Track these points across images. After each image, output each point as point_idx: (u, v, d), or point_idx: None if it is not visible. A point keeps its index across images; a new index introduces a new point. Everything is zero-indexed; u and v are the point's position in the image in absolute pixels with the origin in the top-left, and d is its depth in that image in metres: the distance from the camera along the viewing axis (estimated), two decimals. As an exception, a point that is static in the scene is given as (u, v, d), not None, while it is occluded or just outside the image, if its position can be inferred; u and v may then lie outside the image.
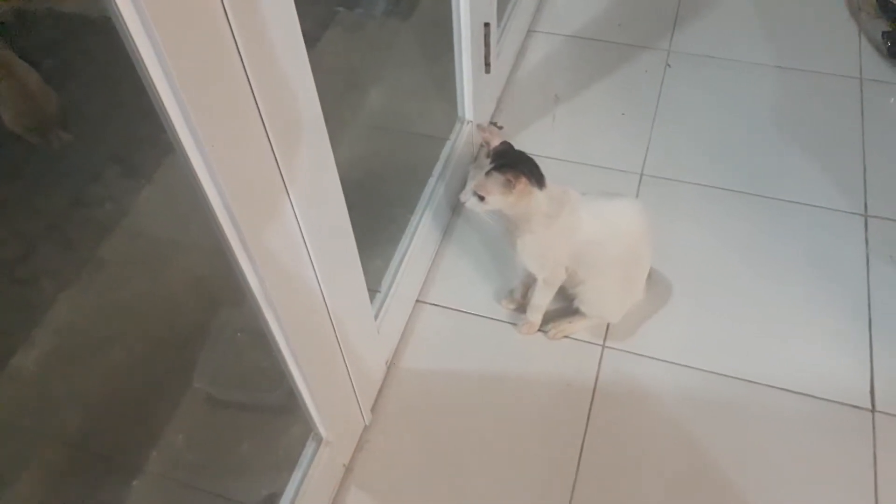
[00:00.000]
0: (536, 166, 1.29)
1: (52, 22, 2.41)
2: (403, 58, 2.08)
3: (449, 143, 1.74)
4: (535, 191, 1.26)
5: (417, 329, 1.53)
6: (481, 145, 1.81)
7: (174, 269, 1.84)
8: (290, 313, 1.03)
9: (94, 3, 2.35)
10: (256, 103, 0.78)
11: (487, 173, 1.25)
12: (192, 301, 1.77)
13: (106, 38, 2.48)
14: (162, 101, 0.69)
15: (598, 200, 1.37)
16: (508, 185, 1.24)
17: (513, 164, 1.26)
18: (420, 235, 1.56)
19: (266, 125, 0.81)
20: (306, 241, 0.99)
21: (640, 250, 1.42)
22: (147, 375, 1.63)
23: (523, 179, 1.24)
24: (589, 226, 1.34)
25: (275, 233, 0.92)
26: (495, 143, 1.30)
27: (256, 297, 0.97)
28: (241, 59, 0.74)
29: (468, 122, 1.73)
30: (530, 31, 2.16)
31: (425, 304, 1.57)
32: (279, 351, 1.07)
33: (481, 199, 1.27)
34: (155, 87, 0.68)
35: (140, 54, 0.64)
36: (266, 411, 1.48)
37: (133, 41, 0.63)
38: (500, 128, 1.86)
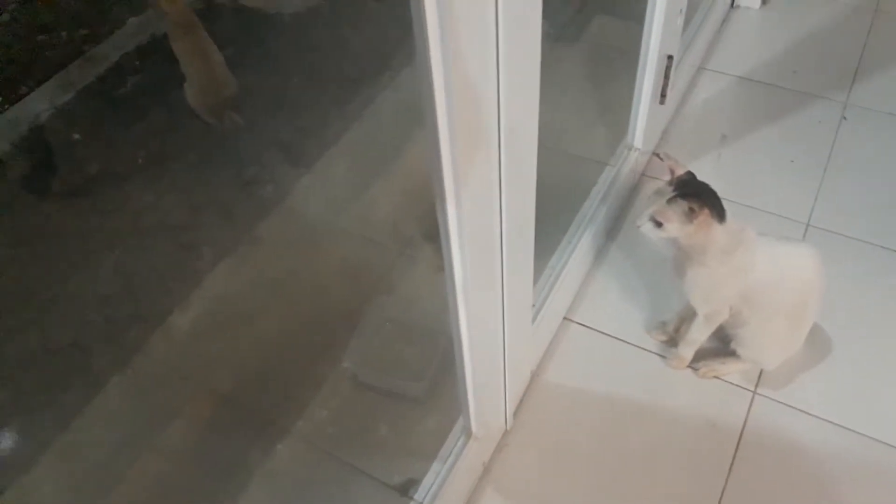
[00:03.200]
0: (719, 200, 1.28)
1: (237, 15, 2.62)
2: (568, 80, 2.12)
3: (610, 168, 1.75)
4: (715, 224, 1.25)
5: (563, 345, 1.54)
6: (642, 173, 1.81)
7: (326, 255, 1.94)
8: (476, 306, 1.06)
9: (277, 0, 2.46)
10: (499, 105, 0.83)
11: (670, 200, 1.25)
12: (342, 286, 1.85)
13: (284, 33, 2.65)
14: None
15: (775, 243, 1.34)
16: (690, 215, 1.23)
17: (696, 194, 1.26)
18: (574, 254, 1.57)
19: (501, 124, 0.86)
20: (503, 229, 1.02)
21: (810, 300, 1.37)
22: (295, 349, 1.71)
23: (706, 210, 1.23)
24: (763, 268, 1.31)
25: (481, 223, 0.96)
26: (679, 172, 1.30)
27: (455, 285, 1.01)
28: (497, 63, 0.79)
29: (636, 150, 1.74)
30: (701, 68, 2.15)
31: (572, 322, 1.57)
32: (458, 341, 1.11)
33: (658, 225, 1.27)
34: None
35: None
36: (407, 399, 1.53)
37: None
38: (663, 159, 1.85)
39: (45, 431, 1.61)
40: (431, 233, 1.70)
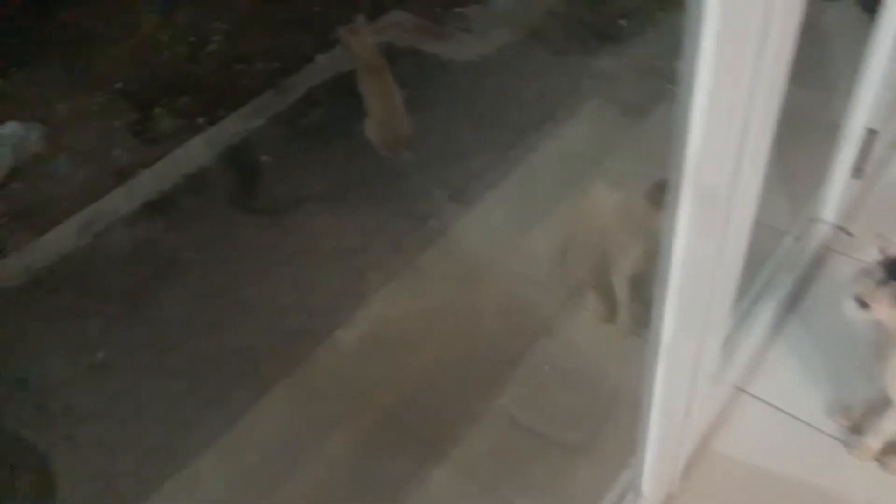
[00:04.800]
0: (934, 285, 1.21)
1: (416, 59, 2.79)
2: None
3: (791, 238, 1.70)
4: (928, 311, 1.19)
5: (733, 416, 1.49)
6: (827, 246, 1.74)
7: (486, 290, 1.99)
8: (673, 365, 1.06)
9: (457, 47, 2.62)
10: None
11: (880, 282, 1.20)
12: (500, 323, 1.89)
13: (457, 79, 2.77)
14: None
15: None
16: (903, 301, 1.17)
17: (909, 278, 1.20)
18: (751, 323, 1.53)
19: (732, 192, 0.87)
20: (712, 294, 1.02)
21: None
22: (452, 378, 1.76)
23: (921, 297, 1.17)
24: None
25: (697, 287, 0.97)
26: (891, 252, 1.25)
27: (659, 343, 1.01)
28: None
29: (823, 223, 1.68)
30: None
31: (745, 393, 1.52)
32: (648, 398, 1.10)
33: (864, 306, 1.22)
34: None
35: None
36: (565, 446, 1.53)
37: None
38: (850, 235, 1.77)
39: (213, 427, 1.74)
40: (599, 283, 1.72)
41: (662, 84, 2.39)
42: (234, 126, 2.48)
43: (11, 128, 2.30)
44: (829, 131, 1.63)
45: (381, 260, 2.09)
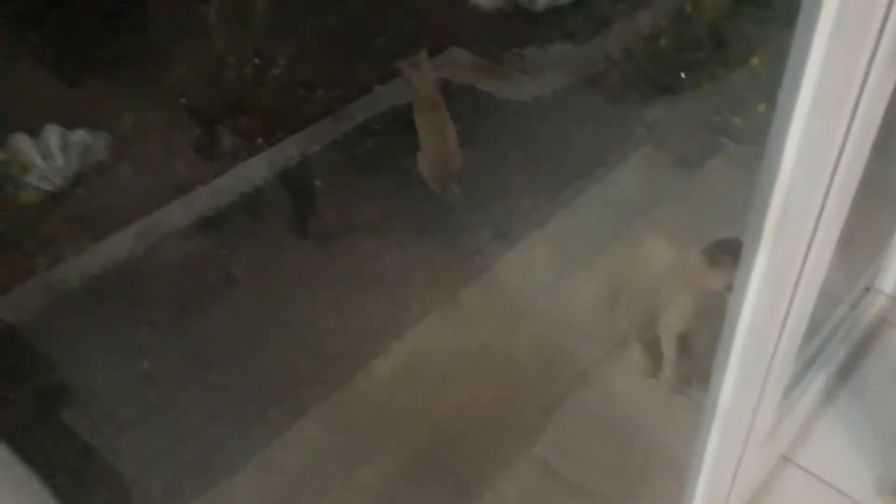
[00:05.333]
0: None
1: (471, 96, 2.83)
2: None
3: (845, 306, 1.67)
4: None
5: (779, 486, 1.45)
6: (884, 319, 1.70)
7: (524, 331, 1.98)
8: (728, 429, 1.04)
9: (513, 87, 2.65)
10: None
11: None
12: (538, 366, 1.88)
13: (510, 118, 2.79)
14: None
15: None
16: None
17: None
18: (800, 390, 1.50)
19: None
20: (773, 361, 1.01)
21: None
22: (487, 418, 1.75)
23: None
24: None
25: (758, 353, 0.96)
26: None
27: (716, 408, 1.00)
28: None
29: (881, 294, 1.64)
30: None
31: (791, 462, 1.48)
32: (698, 460, 1.08)
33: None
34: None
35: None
36: (600, 498, 1.51)
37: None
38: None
39: (248, 446, 1.75)
40: (645, 336, 1.70)
41: (717, 138, 2.39)
42: (291, 149, 2.53)
43: (80, 135, 2.39)
44: (893, 199, 1.61)
45: (422, 292, 2.11)
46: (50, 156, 2.28)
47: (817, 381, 1.52)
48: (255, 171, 2.43)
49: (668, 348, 1.61)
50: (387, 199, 2.40)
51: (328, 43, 2.91)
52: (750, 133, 2.29)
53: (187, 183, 2.34)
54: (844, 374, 1.62)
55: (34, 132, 2.33)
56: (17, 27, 2.84)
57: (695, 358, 1.65)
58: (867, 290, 1.67)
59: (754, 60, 2.24)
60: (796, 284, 0.92)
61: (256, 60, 2.62)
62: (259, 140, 2.50)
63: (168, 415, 1.79)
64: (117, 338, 1.95)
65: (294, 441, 1.76)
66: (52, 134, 2.32)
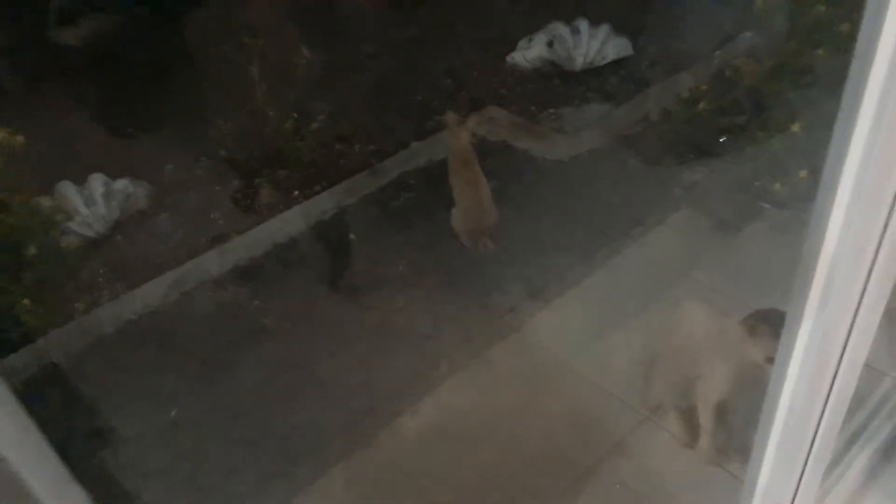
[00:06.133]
0: None
1: (506, 154, 2.85)
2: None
3: (890, 379, 1.59)
4: None
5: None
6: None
7: (556, 393, 1.92)
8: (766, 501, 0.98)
9: (549, 145, 2.64)
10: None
11: None
12: (570, 431, 1.81)
13: (545, 176, 2.77)
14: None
15: None
16: None
17: None
18: (843, 466, 1.41)
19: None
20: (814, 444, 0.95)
21: None
22: (516, 483, 1.69)
23: None
24: None
25: (799, 437, 0.91)
26: None
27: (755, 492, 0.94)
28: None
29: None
30: None
31: (837, 543, 1.39)
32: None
33: None
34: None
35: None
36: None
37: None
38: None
39: (270, 500, 1.72)
40: (682, 405, 1.64)
41: (757, 202, 2.35)
42: (327, 202, 2.57)
43: (123, 184, 2.46)
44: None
45: (451, 349, 2.08)
46: (93, 203, 2.35)
47: (861, 459, 1.44)
48: (290, 222, 2.46)
49: (706, 418, 1.54)
50: (420, 254, 2.40)
51: (367, 99, 2.98)
52: (791, 199, 2.24)
53: (224, 233, 2.38)
54: (889, 451, 1.53)
55: (80, 180, 2.40)
56: (69, 80, 2.99)
57: (733, 429, 1.57)
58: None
59: (795, 126, 2.20)
60: (840, 358, 0.88)
61: (296, 115, 2.68)
62: (296, 193, 2.55)
63: (192, 465, 1.77)
64: (147, 384, 1.96)
65: (316, 499, 1.72)
66: (97, 182, 2.40)
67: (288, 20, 2.76)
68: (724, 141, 2.55)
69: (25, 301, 1.85)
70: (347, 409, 1.92)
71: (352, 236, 2.48)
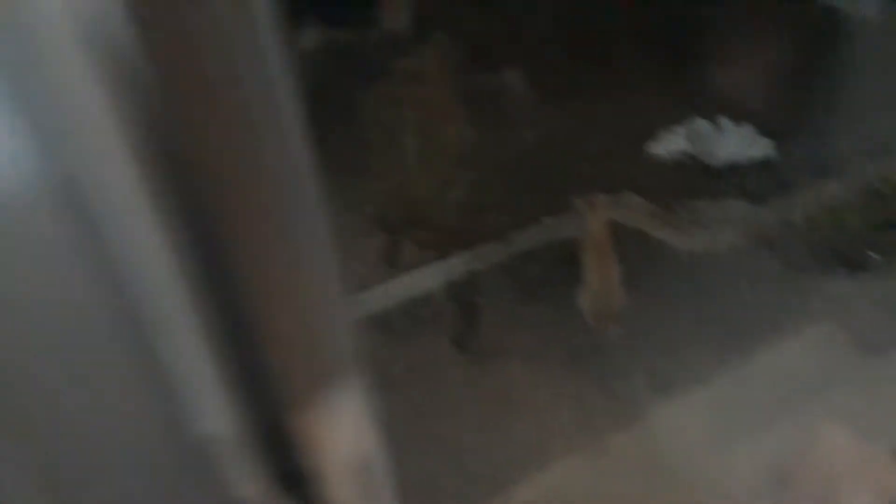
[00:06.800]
0: None
1: (638, 238, 2.85)
2: None
3: None
4: None
5: None
6: None
7: (677, 496, 1.86)
8: None
9: (684, 238, 2.60)
10: None
11: None
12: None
13: (680, 267, 2.72)
14: None
15: None
16: None
17: None
18: None
19: None
20: None
21: None
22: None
23: None
24: None
25: None
26: None
27: None
28: None
29: None
30: None
31: None
32: None
33: None
34: None
35: None
36: None
37: None
38: None
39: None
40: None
41: (907, 327, 2.22)
42: (459, 266, 2.67)
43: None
44: None
45: (569, 428, 2.07)
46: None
47: None
48: (424, 280, 2.58)
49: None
50: (544, 328, 2.44)
51: (506, 174, 3.10)
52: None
53: (363, 283, 2.52)
54: None
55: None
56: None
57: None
58: None
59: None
60: None
61: (442, 182, 2.84)
62: (432, 253, 2.67)
63: None
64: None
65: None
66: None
67: (453, 99, 2.94)
68: (874, 257, 2.45)
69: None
70: (459, 470, 1.95)
71: (480, 300, 2.55)
